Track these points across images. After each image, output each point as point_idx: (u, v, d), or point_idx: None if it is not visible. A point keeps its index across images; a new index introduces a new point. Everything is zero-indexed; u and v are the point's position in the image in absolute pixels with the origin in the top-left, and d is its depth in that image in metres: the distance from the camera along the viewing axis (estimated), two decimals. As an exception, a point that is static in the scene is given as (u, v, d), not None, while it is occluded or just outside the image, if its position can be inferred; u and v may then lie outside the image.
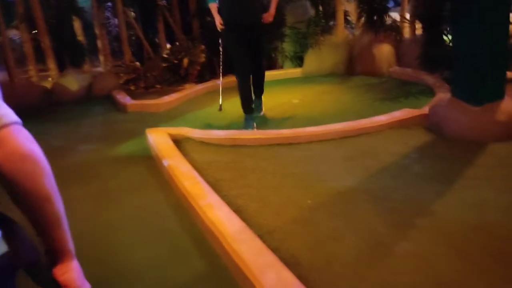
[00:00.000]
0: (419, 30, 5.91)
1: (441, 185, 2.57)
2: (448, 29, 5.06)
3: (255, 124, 4.15)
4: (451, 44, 4.69)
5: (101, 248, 2.30)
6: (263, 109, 4.55)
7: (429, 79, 5.03)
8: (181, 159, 3.10)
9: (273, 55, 6.77)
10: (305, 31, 6.57)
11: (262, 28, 4.18)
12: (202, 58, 6.33)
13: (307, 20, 6.63)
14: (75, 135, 4.45)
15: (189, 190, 2.58)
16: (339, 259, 1.94)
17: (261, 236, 2.08)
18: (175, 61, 6.26)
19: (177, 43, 6.61)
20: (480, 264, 1.83)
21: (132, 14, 6.90)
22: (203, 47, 6.39)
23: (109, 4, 6.94)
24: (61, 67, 6.31)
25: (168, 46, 6.80)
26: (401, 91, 5.01)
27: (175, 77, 6.33)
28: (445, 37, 5.14)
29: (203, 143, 3.58)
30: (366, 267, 1.87)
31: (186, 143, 3.59)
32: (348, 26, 6.87)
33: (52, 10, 6.17)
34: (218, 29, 4.12)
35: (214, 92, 5.64)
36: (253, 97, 4.37)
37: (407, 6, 6.35)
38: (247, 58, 4.10)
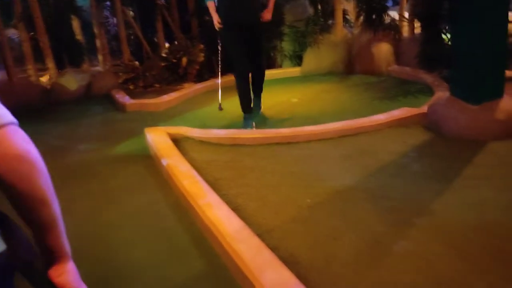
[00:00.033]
0: (418, 29, 5.91)
1: (440, 184, 2.57)
2: (446, 27, 5.07)
3: (254, 124, 4.15)
4: (449, 43, 4.70)
5: (101, 247, 2.30)
6: (262, 108, 4.55)
7: (427, 78, 5.03)
8: (180, 158, 3.10)
9: (272, 54, 6.77)
10: (304, 30, 6.56)
11: (260, 27, 4.17)
12: (201, 57, 6.33)
13: (306, 18, 6.62)
14: (74, 134, 4.44)
15: (188, 189, 2.58)
16: (338, 258, 1.94)
17: (260, 235, 2.08)
18: (174, 60, 6.26)
19: (176, 42, 6.61)
20: (479, 263, 1.83)
21: (131, 13, 6.89)
22: (202, 46, 6.39)
23: (108, 3, 6.92)
24: (60, 67, 6.30)
25: (167, 45, 6.79)
26: (400, 90, 5.01)
27: (174, 76, 6.32)
28: (443, 36, 5.15)
29: (202, 142, 3.58)
30: (365, 266, 1.88)
31: (185, 142, 3.59)
32: (347, 25, 6.87)
33: (50, 9, 6.16)
34: (216, 27, 4.12)
35: (213, 91, 5.64)
36: (252, 96, 4.37)
37: (406, 5, 6.35)
38: (245, 58, 4.10)
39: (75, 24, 6.55)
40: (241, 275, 1.85)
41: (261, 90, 4.44)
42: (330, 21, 6.63)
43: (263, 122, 4.32)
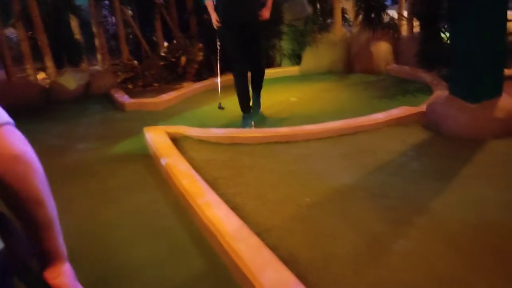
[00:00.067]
0: (416, 28, 5.91)
1: (439, 183, 2.57)
2: (445, 26, 5.07)
3: (253, 123, 4.15)
4: (448, 41, 4.70)
5: (100, 246, 2.30)
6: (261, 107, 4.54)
7: (426, 77, 5.04)
8: (179, 158, 3.10)
9: (271, 53, 6.77)
10: (302, 28, 6.56)
11: (259, 26, 4.16)
12: (200, 56, 6.32)
13: (305, 17, 6.62)
14: (73, 134, 4.44)
15: (187, 189, 2.58)
16: (337, 257, 1.94)
17: (259, 234, 2.08)
18: (173, 60, 6.25)
19: (175, 42, 6.60)
20: (479, 262, 1.84)
21: (130, 12, 6.89)
22: (200, 45, 6.38)
23: (107, 2, 6.92)
24: (59, 66, 6.29)
25: (166, 44, 6.78)
26: (399, 89, 5.02)
27: (173, 76, 6.32)
28: (442, 35, 5.15)
29: (201, 141, 3.58)
30: (364, 265, 1.88)
31: (184, 141, 3.59)
32: (345, 24, 6.86)
33: (49, 8, 6.15)
34: (215, 26, 4.11)
35: (212, 91, 5.64)
36: (252, 94, 4.36)
37: (404, 3, 6.35)
38: (244, 57, 4.09)
39: (74, 23, 6.54)
40: (240, 274, 1.85)
41: (260, 89, 4.43)
42: (329, 20, 6.63)
43: (262, 121, 4.32)
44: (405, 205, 2.35)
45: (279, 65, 6.88)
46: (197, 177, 2.75)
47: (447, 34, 4.94)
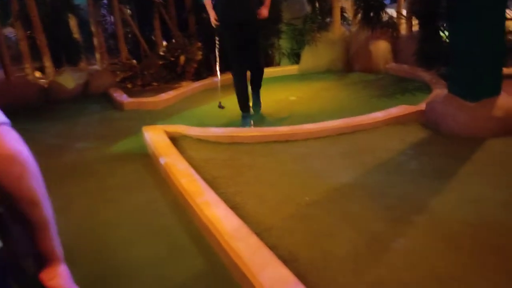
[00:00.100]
0: (415, 27, 5.91)
1: (438, 182, 2.58)
2: (444, 25, 5.07)
3: (252, 122, 4.15)
4: (447, 40, 4.70)
5: (99, 246, 2.29)
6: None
7: (425, 75, 5.04)
8: (178, 157, 3.10)
9: (270, 52, 6.76)
10: (301, 27, 6.56)
11: (257, 24, 4.15)
12: (199, 55, 6.31)
13: (304, 16, 6.62)
14: (72, 133, 4.43)
15: (186, 188, 2.58)
16: (337, 256, 1.94)
17: (258, 234, 2.08)
18: (172, 59, 6.24)
19: (173, 41, 6.59)
20: (478, 260, 1.84)
21: (128, 11, 6.88)
22: (199, 44, 6.37)
23: (105, 1, 6.90)
24: (57, 65, 6.28)
25: (164, 43, 6.78)
26: (398, 87, 5.02)
27: (171, 75, 6.31)
28: (441, 34, 5.15)
29: (200, 140, 3.58)
30: (364, 264, 1.88)
31: (183, 140, 3.58)
32: (344, 22, 6.86)
33: (47, 7, 6.14)
34: (213, 25, 4.11)
35: (211, 90, 5.64)
36: (251, 94, 4.36)
37: (403, 2, 6.35)
38: (243, 56, 4.09)
39: (72, 22, 6.53)
40: (239, 273, 1.85)
41: (259, 88, 4.42)
42: (328, 19, 6.63)
43: (261, 120, 4.32)
44: (405, 204, 2.35)
45: (278, 64, 6.87)
46: (196, 176, 2.75)
47: (446, 33, 4.93)
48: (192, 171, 2.84)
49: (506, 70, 3.66)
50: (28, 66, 6.04)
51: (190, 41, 6.41)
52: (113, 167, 3.36)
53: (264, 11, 4.09)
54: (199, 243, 2.22)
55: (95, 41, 6.57)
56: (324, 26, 6.51)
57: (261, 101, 4.50)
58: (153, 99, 5.27)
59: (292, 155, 3.19)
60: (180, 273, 2.00)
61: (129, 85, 6.16)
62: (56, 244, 0.88)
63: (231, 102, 4.41)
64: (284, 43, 6.83)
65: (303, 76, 6.28)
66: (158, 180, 3.02)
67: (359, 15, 6.25)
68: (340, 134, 3.50)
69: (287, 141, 3.45)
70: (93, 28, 6.52)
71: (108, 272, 2.06)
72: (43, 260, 0.87)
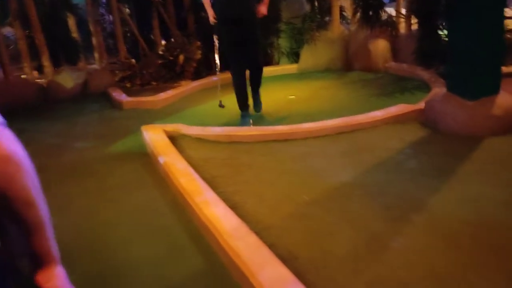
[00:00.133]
0: (415, 26, 5.91)
1: (437, 181, 2.58)
2: (443, 24, 5.07)
3: (251, 121, 4.15)
4: (446, 39, 4.70)
5: (98, 245, 2.29)
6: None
7: (424, 74, 5.04)
8: (177, 156, 3.10)
9: (269, 51, 6.76)
10: (300, 26, 6.56)
11: (256, 23, 4.14)
12: (198, 54, 6.31)
13: (303, 15, 6.62)
14: (71, 132, 4.43)
15: (185, 187, 2.58)
16: (336, 255, 1.94)
17: (257, 233, 2.08)
18: (171, 58, 6.24)
19: (172, 40, 6.59)
20: (476, 258, 1.84)
21: (127, 10, 6.87)
22: (198, 43, 6.37)
23: (104, 0, 6.90)
24: (56, 64, 6.28)
25: (163, 42, 6.77)
26: (397, 86, 5.02)
27: (170, 74, 6.31)
28: (440, 32, 5.15)
29: (199, 139, 3.58)
30: (363, 263, 1.88)
31: (182, 140, 3.58)
32: (343, 21, 6.86)
33: (46, 7, 6.13)
34: (211, 23, 4.10)
35: (210, 89, 5.64)
36: (251, 94, 4.35)
37: (402, 1, 6.35)
38: (242, 54, 4.08)
39: (71, 21, 6.51)
40: (239, 272, 1.85)
41: (258, 87, 4.40)
42: (327, 18, 6.63)
43: (260, 119, 4.31)
44: (404, 203, 2.35)
45: (277, 63, 6.87)
46: (195, 175, 2.75)
47: (445, 32, 4.93)
48: (191, 170, 2.84)
49: (505, 69, 3.66)
50: (26, 65, 6.04)
51: (189, 40, 6.41)
52: (112, 167, 3.36)
53: (263, 9, 4.08)
54: (198, 243, 2.22)
55: (94, 40, 6.56)
56: (323, 25, 6.51)
57: (261, 100, 4.49)
58: (152, 99, 5.27)
59: (291, 154, 3.19)
60: (179, 273, 2.00)
61: (128, 85, 6.16)
62: (52, 245, 0.87)
63: (230, 101, 4.41)
64: (283, 42, 6.82)
65: (302, 75, 6.28)
66: (157, 180, 3.02)
67: (358, 14, 6.24)
68: (339, 133, 3.50)
69: (286, 140, 3.45)
70: (91, 28, 6.51)
71: (108, 271, 2.06)
72: (39, 260, 0.86)
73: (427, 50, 5.17)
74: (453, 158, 2.89)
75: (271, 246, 1.97)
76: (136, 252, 2.19)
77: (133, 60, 6.52)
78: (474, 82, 3.29)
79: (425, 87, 4.66)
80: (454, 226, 2.08)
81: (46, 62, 6.05)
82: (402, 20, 6.24)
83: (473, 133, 3.17)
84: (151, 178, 3.08)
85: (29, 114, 5.14)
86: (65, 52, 6.40)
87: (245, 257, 1.86)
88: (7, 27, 6.69)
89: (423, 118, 3.60)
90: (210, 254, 2.10)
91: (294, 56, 6.79)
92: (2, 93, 5.35)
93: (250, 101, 4.29)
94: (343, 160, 3.00)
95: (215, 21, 4.04)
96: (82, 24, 6.71)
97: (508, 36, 4.53)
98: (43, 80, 6.02)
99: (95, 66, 6.74)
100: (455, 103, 3.32)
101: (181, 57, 6.20)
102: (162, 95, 5.35)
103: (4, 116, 0.79)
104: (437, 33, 5.15)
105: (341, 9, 6.67)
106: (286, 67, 6.63)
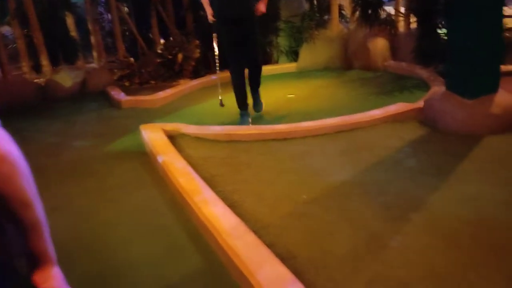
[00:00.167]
0: (413, 24, 5.91)
1: (436, 179, 2.58)
2: (442, 22, 5.07)
3: (250, 120, 4.14)
4: (445, 37, 4.70)
5: (98, 245, 2.29)
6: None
7: (423, 73, 5.04)
8: (175, 155, 3.09)
9: (268, 49, 6.75)
10: (299, 25, 6.55)
11: (255, 21, 4.12)
12: (197, 53, 6.31)
13: (302, 14, 6.61)
14: (70, 131, 4.42)
15: (184, 186, 2.58)
16: (334, 254, 1.94)
17: (256, 232, 2.08)
18: (170, 57, 6.24)
19: (171, 38, 6.58)
20: (475, 257, 1.84)
21: (126, 9, 6.86)
22: (197, 42, 6.36)
23: (102, -1, 6.90)
24: (55, 63, 6.27)
25: (162, 41, 6.76)
26: (396, 85, 5.02)
27: (169, 73, 6.30)
28: (439, 31, 5.14)
29: (198, 138, 3.57)
30: (362, 262, 1.88)
31: (181, 139, 3.58)
32: (342, 20, 6.86)
33: (44, 6, 6.12)
34: (210, 21, 4.09)
35: (209, 88, 5.64)
36: (251, 95, 4.33)
37: (401, 0, 6.35)
38: (240, 53, 4.06)
39: (69, 20, 6.51)
40: (237, 272, 1.84)
41: (258, 86, 4.38)
42: (326, 16, 6.63)
43: (259, 118, 4.31)
44: (403, 202, 2.35)
45: (276, 62, 6.87)
46: (194, 174, 2.75)
47: (444, 30, 4.93)
48: (190, 169, 2.83)
49: (504, 67, 3.66)
50: (25, 64, 6.02)
51: (188, 39, 6.40)
52: (111, 166, 3.36)
53: (262, 7, 4.05)
54: (197, 242, 2.21)
55: (93, 39, 6.55)
56: (322, 24, 6.51)
57: (262, 100, 4.46)
58: (150, 97, 5.26)
59: (290, 153, 3.18)
60: (178, 272, 2.00)
61: (126, 83, 6.15)
62: (49, 245, 0.86)
63: (229, 100, 4.40)
64: (282, 41, 6.82)
65: (301, 74, 6.28)
66: (156, 179, 3.02)
67: (357, 13, 6.24)
68: (338, 132, 3.49)
69: (285, 139, 3.45)
70: (90, 26, 6.51)
71: (108, 270, 2.06)
72: (36, 261, 0.86)
73: (426, 49, 5.16)
74: (452, 156, 2.88)
75: (270, 245, 1.96)
76: (135, 252, 2.19)
77: (132, 59, 6.51)
78: (473, 81, 3.29)
79: (424, 86, 4.66)
80: (453, 225, 2.08)
81: (45, 61, 6.04)
82: (401, 18, 6.24)
83: (472, 132, 3.17)
84: (150, 177, 3.07)
85: (27, 113, 5.13)
86: (64, 51, 6.39)
87: (244, 256, 1.85)
88: (6, 26, 6.67)
89: (422, 117, 3.60)
90: (208, 253, 2.10)
91: (293, 55, 6.79)
92: (1, 92, 5.35)
93: (250, 100, 4.28)
94: (342, 159, 3.00)
95: (213, 19, 4.03)
96: (80, 23, 6.71)
97: (507, 34, 4.53)
98: (41, 79, 6.01)
99: (94, 65, 6.73)
100: (454, 102, 3.32)
101: (180, 56, 6.19)
102: (161, 94, 5.35)
103: (2, 115, 0.78)
104: (436, 31, 5.14)
105: (340, 7, 6.66)
106: (285, 66, 6.62)
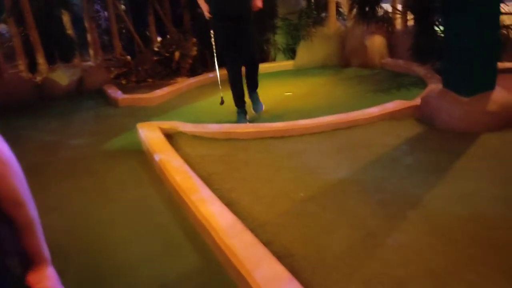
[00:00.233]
0: (411, 22, 5.91)
1: (433, 177, 2.58)
2: (439, 20, 5.07)
3: (248, 118, 4.13)
4: (442, 35, 4.70)
5: (95, 243, 2.29)
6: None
7: (420, 70, 5.04)
8: (172, 154, 3.09)
9: (265, 47, 6.74)
10: (297, 22, 6.54)
11: (251, 18, 4.09)
12: (194, 51, 6.29)
13: (299, 11, 6.60)
14: (67, 130, 4.41)
15: (181, 185, 2.57)
16: (331, 251, 1.94)
17: (253, 230, 2.08)
18: (167, 55, 6.22)
19: (168, 36, 6.56)
20: (471, 254, 1.84)
21: (122, 7, 6.83)
22: (194, 40, 6.34)
23: (99, -3, 6.86)
24: (51, 62, 6.24)
25: (159, 39, 6.74)
26: (393, 82, 5.02)
27: (166, 71, 6.28)
28: (436, 28, 5.14)
29: (195, 137, 3.57)
30: (358, 259, 1.88)
31: (178, 137, 3.57)
32: (340, 17, 6.85)
33: (40, 4, 6.08)
34: (206, 17, 4.07)
35: (206, 86, 5.62)
36: (249, 94, 4.31)
37: (399, -3, 6.34)
38: (236, 50, 4.04)
39: (66, 18, 6.47)
40: (234, 270, 1.84)
41: (256, 84, 4.33)
42: (323, 14, 6.61)
43: (257, 116, 4.30)
44: (399, 199, 2.35)
45: (274, 60, 6.85)
46: (191, 173, 2.74)
47: (441, 28, 4.93)
48: (187, 167, 2.83)
49: (500, 65, 3.66)
50: (21, 63, 5.99)
51: (185, 37, 6.38)
52: (108, 164, 3.35)
53: (258, 2, 4.02)
54: (194, 240, 2.21)
55: (89, 37, 6.52)
56: (320, 21, 6.50)
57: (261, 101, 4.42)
58: (147, 96, 5.25)
59: (287, 151, 3.18)
60: (175, 271, 2.00)
61: (123, 81, 6.13)
62: (42, 245, 0.86)
63: (227, 98, 4.39)
64: (279, 38, 6.81)
65: (298, 72, 6.27)
66: (153, 177, 3.01)
67: (355, 10, 6.22)
68: (335, 129, 3.50)
69: (282, 137, 3.45)
70: (86, 24, 6.47)
71: (105, 269, 2.06)
72: (30, 261, 0.86)
73: (423, 46, 5.16)
74: (449, 154, 2.89)
75: (267, 244, 1.97)
76: (132, 251, 2.19)
77: (129, 57, 6.49)
78: (470, 78, 3.29)
79: (421, 83, 4.66)
80: (450, 223, 2.08)
81: (41, 59, 6.00)
82: (398, 16, 6.23)
83: (469, 129, 3.18)
84: (147, 175, 3.07)
85: (24, 111, 5.11)
86: (60, 49, 6.35)
87: (241, 254, 1.85)
88: (2, 24, 6.63)
89: (419, 114, 3.60)
90: (206, 252, 2.10)
91: (290, 53, 6.78)
92: (-3, 91, 5.32)
93: (248, 99, 4.27)
94: (340, 156, 3.00)
95: (210, 15, 4.01)
96: (77, 21, 6.67)
97: (504, 32, 4.53)
98: (38, 78, 5.98)
99: (90, 63, 6.69)
100: (451, 99, 3.33)
101: (177, 54, 6.17)
102: (158, 92, 5.33)
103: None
104: (433, 29, 5.14)
105: (337, 5, 6.65)
106: (282, 64, 6.61)
